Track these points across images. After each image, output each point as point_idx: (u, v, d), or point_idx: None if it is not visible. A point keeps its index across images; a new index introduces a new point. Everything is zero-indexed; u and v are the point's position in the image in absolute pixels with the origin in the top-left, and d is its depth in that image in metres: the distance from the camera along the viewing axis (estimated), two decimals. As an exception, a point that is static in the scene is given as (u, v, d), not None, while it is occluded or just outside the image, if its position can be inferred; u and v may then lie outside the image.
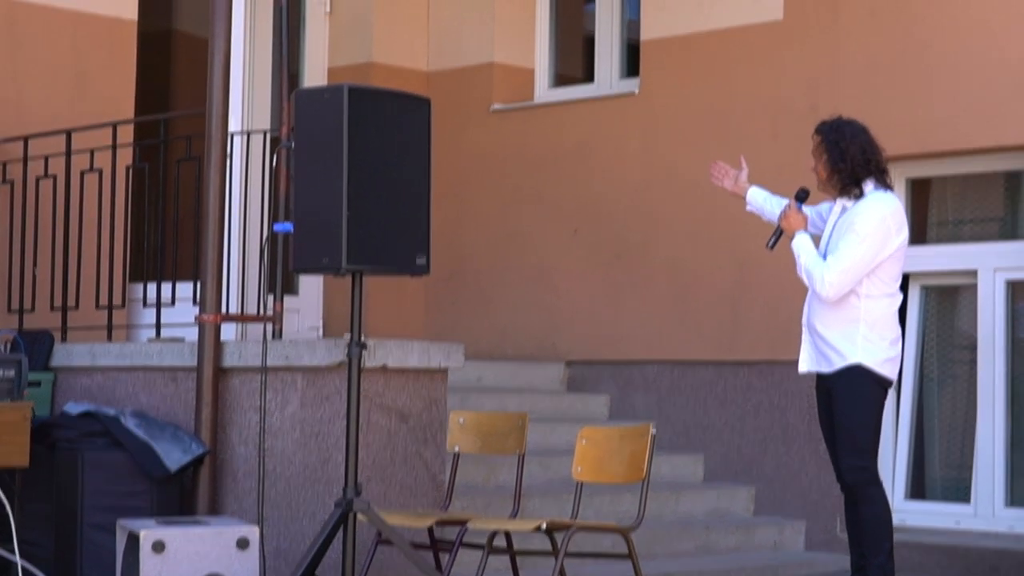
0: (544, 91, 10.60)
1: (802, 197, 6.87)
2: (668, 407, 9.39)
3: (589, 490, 6.95)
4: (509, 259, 10.32)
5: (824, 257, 6.64)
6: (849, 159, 6.63)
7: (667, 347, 9.42)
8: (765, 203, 7.16)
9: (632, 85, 9.91)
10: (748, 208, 7.23)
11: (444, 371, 7.13)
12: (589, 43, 10.51)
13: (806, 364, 6.80)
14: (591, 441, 6.70)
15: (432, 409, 7.08)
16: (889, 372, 6.66)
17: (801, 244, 6.69)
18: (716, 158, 8.97)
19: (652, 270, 9.56)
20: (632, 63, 10.14)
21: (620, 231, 9.73)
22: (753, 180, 7.27)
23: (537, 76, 10.63)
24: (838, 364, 6.63)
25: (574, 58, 10.88)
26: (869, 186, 6.66)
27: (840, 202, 6.75)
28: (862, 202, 6.63)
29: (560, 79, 10.69)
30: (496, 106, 10.49)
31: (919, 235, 8.90)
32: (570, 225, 10.02)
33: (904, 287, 8.74)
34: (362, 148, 6.06)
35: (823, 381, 6.75)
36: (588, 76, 10.47)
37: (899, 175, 8.80)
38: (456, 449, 7.07)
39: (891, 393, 8.57)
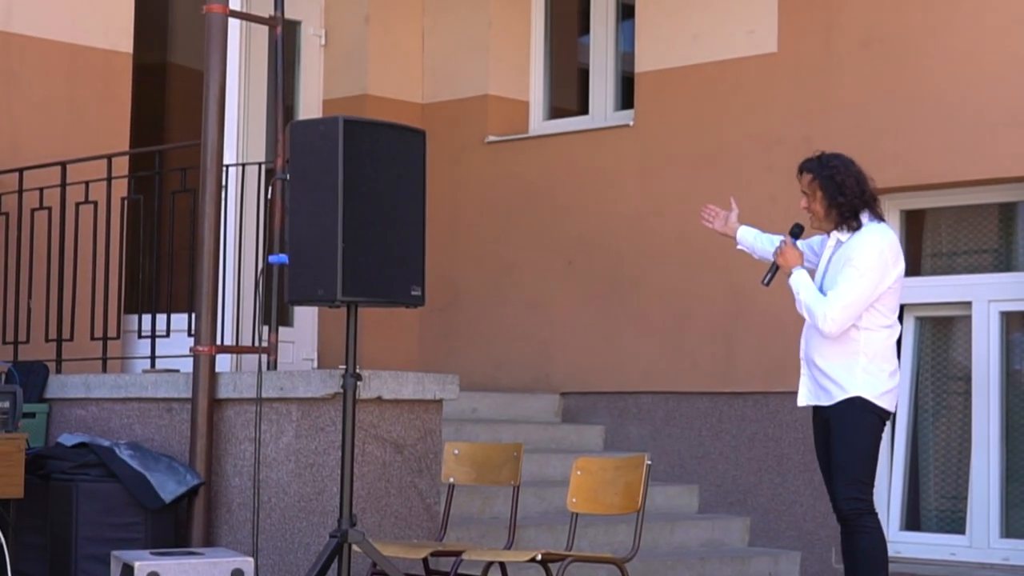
0: (539, 123, 10.63)
1: (796, 233, 6.84)
2: (663, 438, 9.40)
3: (584, 521, 6.95)
4: (504, 290, 10.33)
5: (822, 291, 6.61)
6: (847, 192, 6.60)
7: (662, 378, 9.43)
8: (756, 241, 7.12)
9: (626, 117, 9.94)
10: (739, 247, 7.20)
11: (439, 402, 7.13)
12: (584, 75, 10.55)
13: (805, 398, 6.75)
14: (586, 472, 6.70)
15: (427, 440, 7.08)
16: (888, 404, 6.64)
17: (800, 280, 6.66)
18: (710, 189, 9.01)
19: (647, 301, 9.57)
20: (626, 95, 10.18)
21: (615, 262, 9.75)
22: (747, 211, 7.27)
23: (532, 108, 10.66)
24: (838, 396, 6.59)
25: (569, 90, 10.92)
26: (865, 217, 6.63)
27: (834, 235, 6.70)
28: (858, 235, 6.60)
29: (555, 111, 10.73)
30: (491, 138, 10.52)
31: (913, 267, 8.91)
32: (564, 256, 10.04)
33: (899, 318, 8.75)
34: (357, 180, 6.07)
35: (820, 412, 6.71)
36: (583, 108, 10.50)
37: (893, 207, 8.82)
38: (451, 480, 7.07)
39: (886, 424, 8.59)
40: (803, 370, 6.74)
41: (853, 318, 6.53)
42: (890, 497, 8.78)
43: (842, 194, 6.58)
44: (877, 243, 6.56)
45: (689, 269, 9.37)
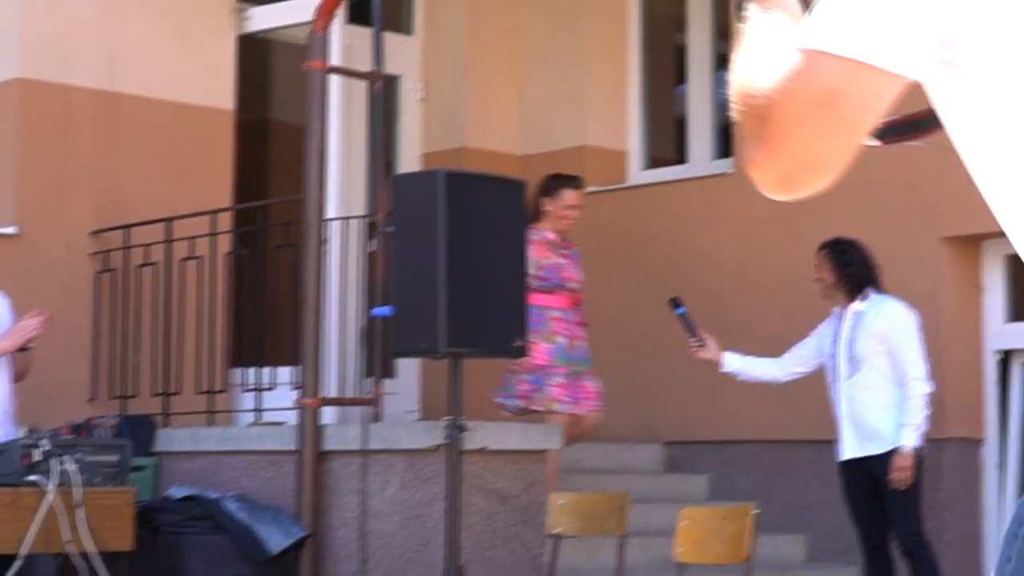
0: (637, 173, 10.63)
1: (675, 304, 7.83)
2: (768, 487, 9.32)
3: (690, 571, 6.91)
4: (605, 340, 10.30)
5: (853, 357, 7.35)
6: (855, 264, 7.50)
7: (767, 427, 9.36)
8: (744, 364, 7.89)
9: (725, 165, 9.92)
10: (723, 370, 7.88)
11: (543, 452, 7.13)
12: (681, 124, 10.55)
13: (851, 451, 7.45)
14: (692, 521, 6.67)
15: (532, 491, 7.08)
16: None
17: (910, 438, 7.22)
18: (811, 236, 8.97)
19: (750, 349, 9.50)
20: (725, 143, 10.16)
21: (717, 311, 9.69)
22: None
23: (630, 158, 10.67)
24: (885, 447, 7.30)
25: (666, 140, 10.91)
26: (870, 291, 7.46)
27: (852, 307, 7.45)
28: (882, 307, 7.38)
29: (653, 161, 10.72)
30: (589, 189, 10.52)
31: (1019, 312, 8.82)
32: (666, 305, 10.00)
33: (1006, 364, 8.71)
34: (459, 231, 6.10)
35: (863, 464, 7.37)
36: (681, 157, 10.49)
37: (996, 252, 8.75)
38: (556, 531, 7.05)
39: (996, 468, 8.62)
40: (846, 426, 7.45)
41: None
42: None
43: (850, 265, 7.48)
44: (910, 313, 7.38)
45: (791, 316, 9.31)
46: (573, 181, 8.48)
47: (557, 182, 8.48)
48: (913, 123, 2.08)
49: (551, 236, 8.37)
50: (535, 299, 7.96)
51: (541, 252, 8.22)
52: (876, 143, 2.08)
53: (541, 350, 8.03)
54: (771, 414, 9.35)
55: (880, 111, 1.85)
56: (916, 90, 1.96)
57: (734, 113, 1.89)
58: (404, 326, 6.18)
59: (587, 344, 8.43)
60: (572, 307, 8.40)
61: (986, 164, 1.89)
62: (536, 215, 8.31)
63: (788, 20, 1.90)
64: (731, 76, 1.89)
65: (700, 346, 7.67)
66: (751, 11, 1.93)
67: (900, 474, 7.19)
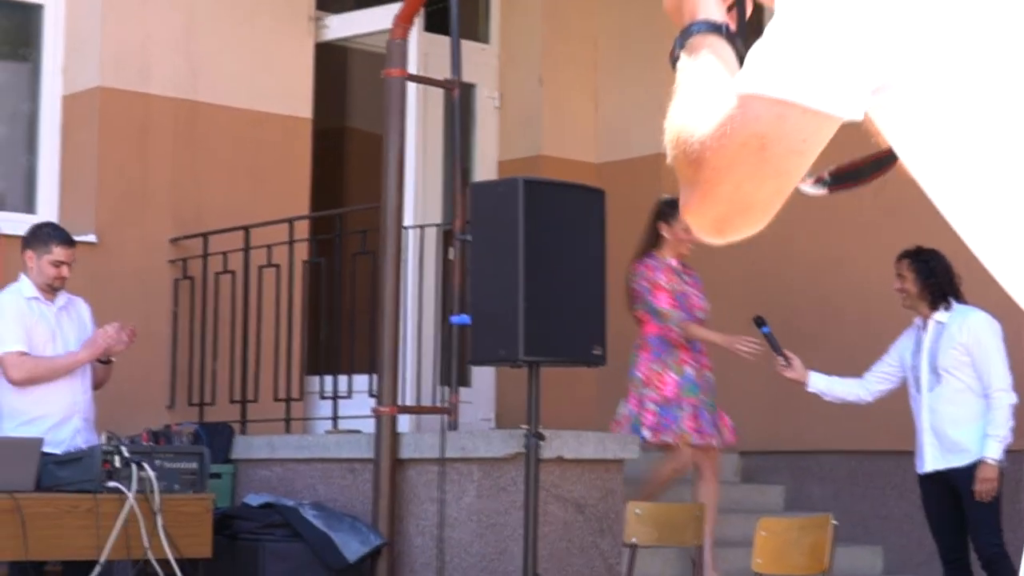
0: (713, 180, 10.57)
1: (760, 323, 7.76)
2: (845, 497, 9.26)
3: (768, 582, 6.88)
4: (681, 349, 10.27)
5: (935, 368, 7.28)
6: (938, 274, 7.38)
7: (844, 437, 9.30)
8: (830, 385, 7.83)
9: (802, 173, 9.84)
10: (809, 390, 7.83)
11: (620, 462, 7.11)
12: (758, 132, 10.48)
13: (932, 463, 7.38)
14: (770, 532, 6.64)
15: (608, 500, 7.06)
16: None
17: (996, 445, 7.16)
18: (889, 244, 8.91)
19: (826, 359, 9.43)
20: (801, 151, 10.08)
21: (792, 320, 9.64)
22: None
23: (706, 166, 10.61)
24: (968, 460, 7.24)
25: (742, 147, 10.85)
26: (952, 301, 7.39)
27: (934, 317, 7.36)
28: (967, 318, 7.28)
29: (729, 168, 10.66)
30: (665, 196, 10.47)
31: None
32: (741, 314, 9.95)
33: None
34: (537, 240, 6.10)
35: (945, 476, 7.33)
36: (757, 164, 10.43)
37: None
38: (633, 540, 7.03)
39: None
40: (927, 438, 7.39)
41: None
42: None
43: (933, 275, 7.38)
44: (993, 324, 7.26)
45: (868, 326, 9.24)
46: None
47: (673, 206, 8.21)
48: (856, 171, 2.11)
49: (673, 262, 8.16)
50: (660, 329, 7.96)
51: (670, 279, 8.11)
52: (822, 192, 2.10)
53: (671, 381, 7.96)
54: (847, 424, 9.28)
55: (811, 155, 1.86)
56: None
57: (669, 159, 1.90)
58: (482, 334, 6.18)
59: (713, 373, 8.31)
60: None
61: (940, 196, 1.94)
62: (655, 241, 8.14)
63: (722, 68, 1.91)
64: (665, 123, 1.90)
65: (786, 366, 7.60)
66: (684, 59, 1.94)
67: (985, 486, 7.13)
